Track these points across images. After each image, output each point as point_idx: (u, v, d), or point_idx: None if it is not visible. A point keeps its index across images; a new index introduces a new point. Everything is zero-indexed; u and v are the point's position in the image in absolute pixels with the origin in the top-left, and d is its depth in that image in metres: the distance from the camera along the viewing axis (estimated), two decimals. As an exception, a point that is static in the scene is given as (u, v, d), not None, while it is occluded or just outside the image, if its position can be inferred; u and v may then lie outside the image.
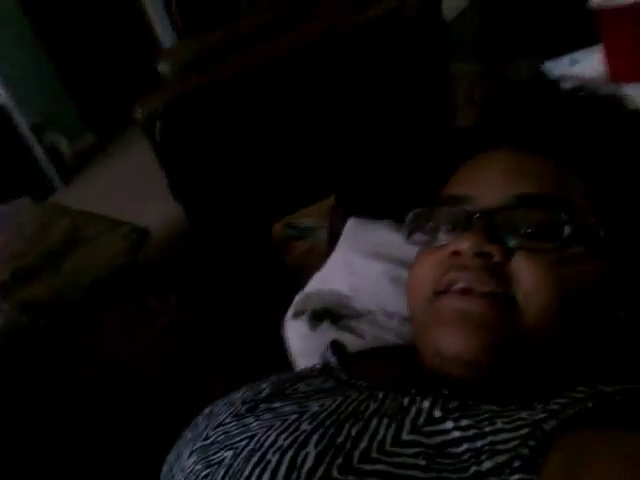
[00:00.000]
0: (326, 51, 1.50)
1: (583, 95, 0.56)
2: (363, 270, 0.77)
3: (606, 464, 0.34)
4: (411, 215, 0.55)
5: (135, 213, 2.05)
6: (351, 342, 0.70)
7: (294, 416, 0.44)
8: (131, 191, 2.80)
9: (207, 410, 0.55)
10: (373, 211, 0.86)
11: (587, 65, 1.02)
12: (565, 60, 1.08)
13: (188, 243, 1.78)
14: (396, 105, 1.59)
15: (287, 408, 0.47)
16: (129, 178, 3.01)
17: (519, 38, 1.85)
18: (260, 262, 1.54)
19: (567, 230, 0.46)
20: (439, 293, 0.48)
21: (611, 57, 0.92)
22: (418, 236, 0.54)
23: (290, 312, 0.78)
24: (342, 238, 0.84)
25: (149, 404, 1.23)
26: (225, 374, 1.15)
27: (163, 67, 1.49)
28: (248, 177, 1.54)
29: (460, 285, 0.47)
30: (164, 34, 3.78)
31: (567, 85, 0.61)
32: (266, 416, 0.47)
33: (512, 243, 0.47)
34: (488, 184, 0.50)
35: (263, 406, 0.50)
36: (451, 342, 0.46)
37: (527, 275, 0.46)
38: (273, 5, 2.75)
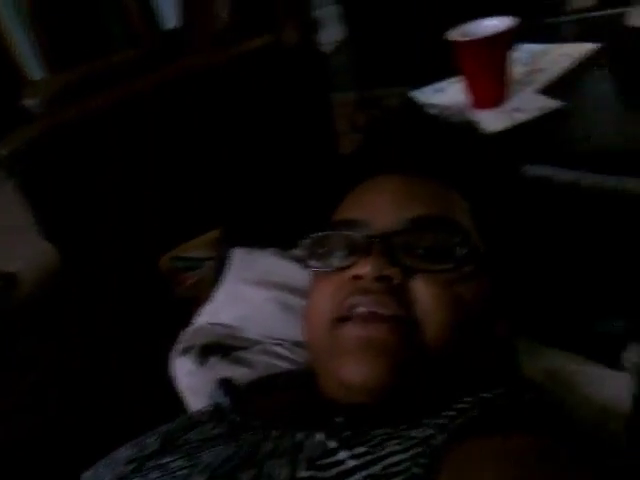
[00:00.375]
0: (202, 84, 1.49)
1: (443, 121, 0.61)
2: (250, 299, 0.75)
3: (482, 473, 0.36)
4: (308, 241, 0.55)
5: (4, 258, 1.89)
6: (243, 374, 0.68)
7: (185, 471, 0.42)
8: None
9: (88, 474, 0.51)
10: (258, 240, 0.85)
11: (449, 94, 1.11)
12: (429, 89, 1.16)
13: (63, 284, 1.67)
14: (278, 135, 1.61)
15: (177, 463, 0.45)
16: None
17: (390, 68, 1.96)
18: (146, 297, 1.48)
19: (460, 251, 0.49)
20: (341, 319, 0.48)
21: (468, 87, 1.01)
22: (313, 262, 0.54)
23: (178, 348, 0.75)
24: (228, 269, 0.83)
25: (25, 467, 1.11)
26: (113, 423, 1.08)
27: (28, 101, 1.40)
28: (127, 212, 1.47)
29: (362, 309, 0.47)
30: (33, 69, 3.58)
31: (432, 111, 0.66)
32: (153, 474, 0.44)
33: (410, 265, 0.48)
34: (381, 208, 0.51)
35: (151, 463, 0.47)
36: (355, 371, 0.46)
37: (425, 295, 0.47)
38: (147, 38, 2.71)
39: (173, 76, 1.49)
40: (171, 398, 0.74)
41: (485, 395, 0.44)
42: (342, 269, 0.50)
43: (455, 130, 0.61)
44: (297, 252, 0.57)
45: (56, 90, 1.45)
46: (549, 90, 1.00)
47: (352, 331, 0.47)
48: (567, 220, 0.66)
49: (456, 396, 0.44)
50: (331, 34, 2.40)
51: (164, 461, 0.46)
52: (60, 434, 1.09)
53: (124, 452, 0.50)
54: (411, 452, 0.38)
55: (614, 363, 0.56)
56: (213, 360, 0.71)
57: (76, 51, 3.25)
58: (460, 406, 0.43)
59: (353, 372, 0.46)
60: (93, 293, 1.52)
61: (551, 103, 0.95)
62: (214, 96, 1.52)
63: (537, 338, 0.61)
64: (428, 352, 0.47)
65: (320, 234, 0.54)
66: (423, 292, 0.47)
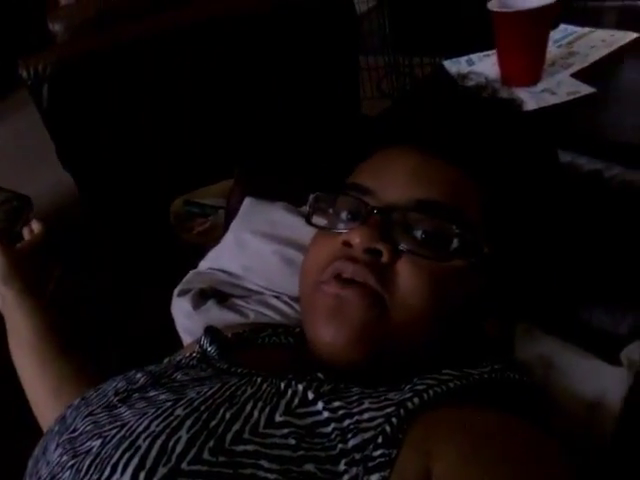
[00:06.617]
0: (230, 29, 1.46)
1: (485, 97, 0.57)
2: (255, 249, 0.75)
3: (447, 441, 0.38)
4: (312, 198, 0.55)
5: (21, 181, 1.90)
6: (235, 321, 0.69)
7: (169, 403, 0.43)
8: (18, 157, 2.59)
9: (76, 402, 0.52)
10: (270, 192, 0.85)
11: (482, 67, 1.08)
12: (462, 60, 1.13)
13: (78, 212, 1.67)
14: (301, 89, 1.59)
15: (162, 396, 0.46)
16: (16, 143, 2.78)
17: (424, 35, 1.91)
18: (154, 236, 1.48)
19: (455, 243, 0.48)
20: (323, 282, 0.49)
21: (503, 61, 0.98)
22: (318, 219, 0.54)
23: (177, 289, 0.76)
24: (237, 217, 0.83)
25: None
26: (110, 351, 1.10)
27: (55, 26, 1.37)
28: (144, 149, 1.47)
29: (345, 275, 0.47)
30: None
31: (469, 83, 0.61)
32: (139, 405, 0.46)
33: (402, 245, 0.47)
34: (393, 182, 0.50)
35: (136, 395, 0.48)
36: (325, 331, 0.47)
37: (408, 280, 0.47)
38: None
39: (205, 17, 1.46)
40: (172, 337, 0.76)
41: (469, 371, 0.45)
42: (339, 233, 0.50)
43: (494, 106, 0.57)
44: (305, 209, 0.56)
45: (85, 17, 1.43)
46: (582, 75, 0.98)
47: (329, 289, 0.48)
48: (585, 210, 0.64)
49: (439, 368, 0.45)
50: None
51: (150, 394, 0.47)
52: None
53: (113, 384, 0.52)
54: (385, 411, 0.40)
55: (614, 360, 0.54)
56: (209, 304, 0.72)
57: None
58: (441, 377, 0.44)
59: (323, 332, 0.47)
60: (105, 224, 1.53)
61: (583, 88, 0.93)
62: (240, 42, 1.49)
63: (538, 324, 0.59)
64: (397, 334, 0.47)
65: (328, 194, 0.54)
66: (406, 277, 0.47)
